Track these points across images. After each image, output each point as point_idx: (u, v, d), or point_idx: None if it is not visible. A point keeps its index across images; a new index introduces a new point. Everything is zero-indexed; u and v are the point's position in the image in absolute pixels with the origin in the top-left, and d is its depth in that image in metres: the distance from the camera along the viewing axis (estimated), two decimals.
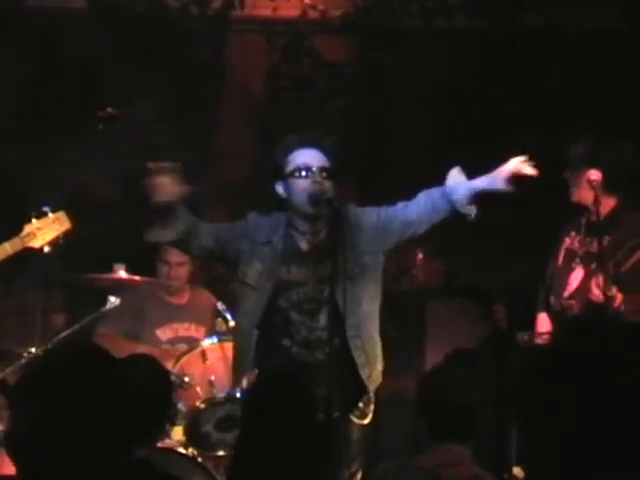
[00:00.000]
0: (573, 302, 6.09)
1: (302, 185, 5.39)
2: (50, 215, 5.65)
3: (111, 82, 7.45)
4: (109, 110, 7.14)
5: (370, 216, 5.65)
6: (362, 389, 5.37)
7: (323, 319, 5.46)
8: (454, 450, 4.37)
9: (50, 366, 2.77)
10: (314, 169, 5.40)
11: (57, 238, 5.66)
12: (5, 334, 6.20)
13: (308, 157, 5.46)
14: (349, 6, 7.53)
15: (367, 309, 5.50)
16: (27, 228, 5.58)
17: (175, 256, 6.73)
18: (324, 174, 5.40)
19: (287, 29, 7.68)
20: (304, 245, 5.51)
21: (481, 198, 7.16)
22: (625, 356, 2.19)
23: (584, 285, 6.06)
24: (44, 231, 5.64)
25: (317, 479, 4.24)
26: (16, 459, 2.64)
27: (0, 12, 6.92)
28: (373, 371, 5.45)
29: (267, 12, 7.43)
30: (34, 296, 6.87)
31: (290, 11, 7.49)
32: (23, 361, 5.98)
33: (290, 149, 5.50)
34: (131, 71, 7.43)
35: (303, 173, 5.39)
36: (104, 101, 7.29)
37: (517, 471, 5.91)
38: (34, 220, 5.60)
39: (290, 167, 5.46)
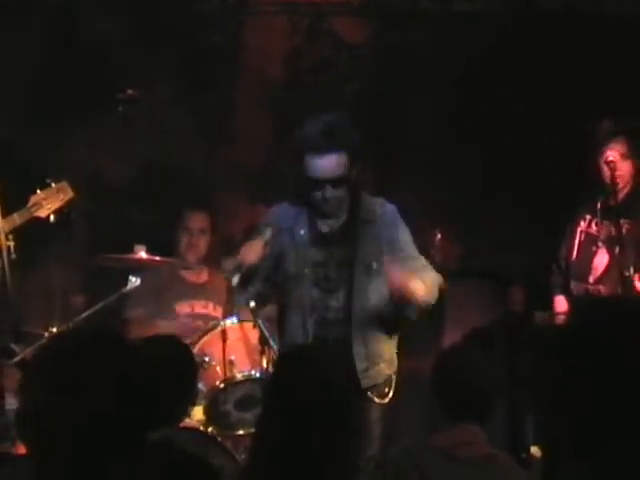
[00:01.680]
0: (601, 287, 6.21)
1: (316, 196, 5.41)
2: (53, 185, 5.80)
3: (127, 65, 7.42)
4: (129, 92, 7.13)
5: (403, 232, 5.63)
6: (353, 380, 5.24)
7: (341, 299, 5.51)
8: (469, 429, 4.38)
9: (65, 348, 2.73)
10: (326, 182, 5.35)
11: (61, 207, 5.79)
12: (26, 315, 6.16)
13: (321, 170, 5.37)
14: None
15: (375, 305, 5.50)
16: (33, 199, 5.71)
17: (196, 222, 6.84)
18: (337, 183, 5.36)
19: (307, 11, 7.64)
20: (325, 228, 5.54)
21: (497, 180, 7.25)
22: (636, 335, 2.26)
23: (612, 270, 6.17)
24: (49, 201, 5.75)
25: (339, 458, 4.27)
26: (25, 440, 2.65)
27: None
28: (372, 367, 5.47)
29: None
30: (55, 277, 6.89)
31: None
32: (43, 341, 5.82)
33: (309, 152, 5.39)
34: (147, 54, 7.44)
35: (316, 184, 5.36)
36: (120, 84, 7.25)
37: (535, 450, 5.95)
38: (38, 191, 5.75)
39: (306, 174, 5.41)
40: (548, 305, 6.54)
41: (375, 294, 5.50)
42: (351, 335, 5.43)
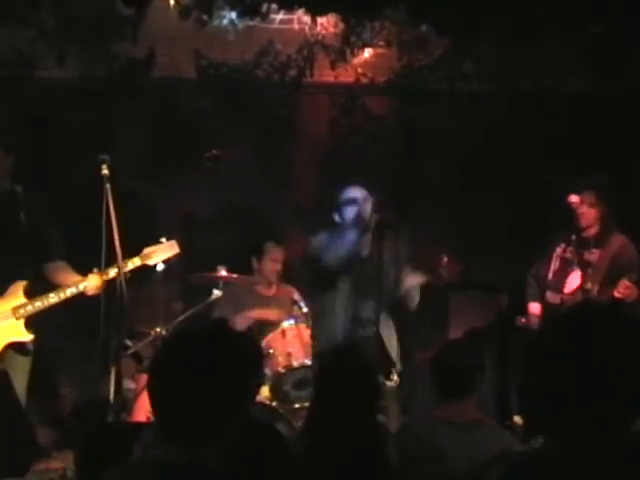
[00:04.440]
0: (572, 297, 6.07)
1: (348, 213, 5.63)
2: (164, 241, 5.57)
3: (213, 132, 7.44)
4: (214, 152, 7.15)
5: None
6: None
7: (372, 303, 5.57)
8: (461, 403, 4.31)
9: (192, 337, 2.65)
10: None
11: (168, 259, 5.58)
12: (138, 318, 6.06)
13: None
14: (391, 74, 7.41)
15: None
16: (145, 250, 5.49)
17: (277, 254, 6.76)
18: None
19: (345, 91, 7.55)
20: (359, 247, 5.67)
21: (488, 220, 7.18)
22: (595, 330, 2.22)
23: (583, 285, 6.07)
24: (157, 254, 5.52)
25: (372, 428, 4.22)
26: (157, 409, 2.55)
27: (135, 81, 6.90)
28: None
29: (330, 79, 7.32)
30: (159, 289, 6.73)
31: (347, 78, 7.37)
32: (150, 338, 6.01)
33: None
34: (228, 123, 7.44)
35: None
36: (207, 146, 7.26)
37: (517, 419, 5.87)
38: (151, 246, 5.52)
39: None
40: (525, 310, 6.47)
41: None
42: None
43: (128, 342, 5.95)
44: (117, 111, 7.10)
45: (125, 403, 5.86)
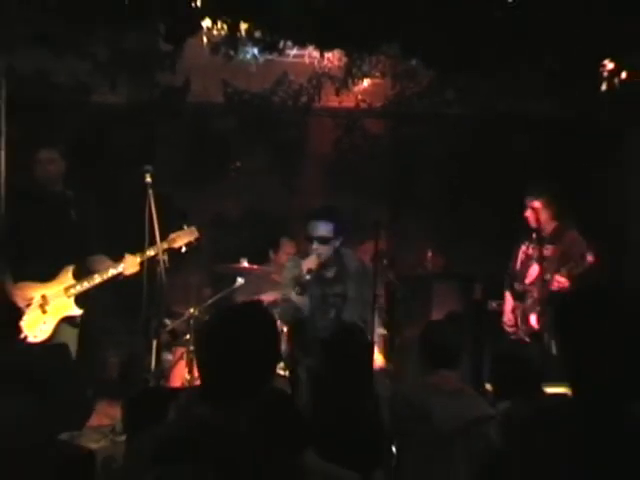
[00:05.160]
0: (533, 287, 6.12)
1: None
2: (185, 228, 5.58)
3: (235, 147, 7.42)
4: (237, 164, 7.28)
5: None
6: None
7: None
8: (446, 373, 4.31)
9: (231, 315, 2.62)
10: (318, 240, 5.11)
11: (190, 242, 5.54)
12: (173, 301, 6.14)
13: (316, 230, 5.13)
14: (385, 100, 7.31)
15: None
16: (170, 236, 5.50)
17: (292, 248, 6.72)
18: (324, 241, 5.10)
19: (347, 114, 7.51)
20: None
21: (468, 221, 7.15)
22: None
23: (539, 276, 6.09)
24: (181, 238, 5.53)
25: (368, 394, 4.20)
26: (201, 375, 2.52)
27: (173, 105, 6.91)
28: None
29: (335, 104, 7.26)
30: (192, 277, 6.85)
31: (349, 103, 7.30)
32: (184, 317, 6.06)
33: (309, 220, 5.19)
34: (248, 140, 7.41)
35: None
36: (232, 159, 7.37)
37: (488, 386, 5.55)
38: (177, 231, 5.55)
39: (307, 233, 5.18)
40: (499, 296, 6.48)
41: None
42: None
43: (166, 321, 6.03)
44: (158, 129, 7.09)
45: (163, 371, 5.93)
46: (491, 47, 5.51)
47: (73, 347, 5.39)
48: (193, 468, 1.95)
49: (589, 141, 7.16)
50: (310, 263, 5.18)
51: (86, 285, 5.41)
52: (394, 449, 4.48)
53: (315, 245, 5.13)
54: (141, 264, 5.38)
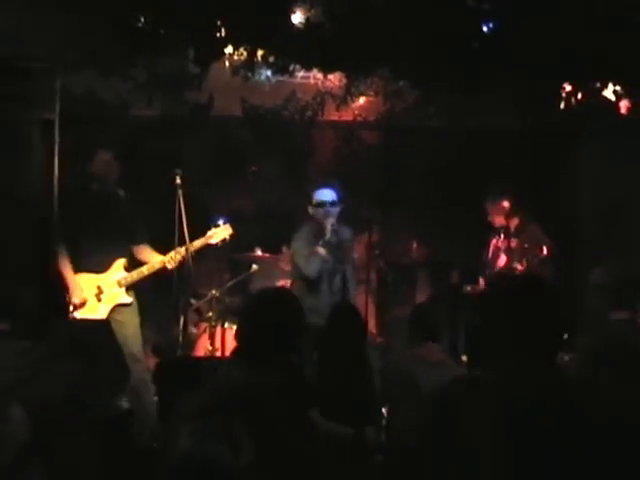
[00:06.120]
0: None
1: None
2: (221, 225, 5.56)
3: (251, 154, 7.36)
4: (253, 169, 7.25)
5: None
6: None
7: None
8: (431, 346, 4.38)
9: (266, 297, 2.72)
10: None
11: (224, 239, 5.53)
12: (198, 283, 6.00)
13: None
14: (378, 115, 7.24)
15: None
16: (209, 232, 5.47)
17: None
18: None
19: (346, 127, 7.46)
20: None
21: (446, 218, 7.06)
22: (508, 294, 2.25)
23: (507, 265, 6.18)
24: (218, 234, 5.50)
25: (362, 362, 4.23)
26: (239, 343, 2.54)
27: (199, 119, 6.85)
28: None
29: (335, 118, 7.20)
30: (214, 264, 6.74)
31: (347, 117, 7.24)
32: (207, 298, 6.07)
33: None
34: (263, 149, 7.36)
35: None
36: (249, 165, 7.33)
37: (464, 358, 5.79)
38: (213, 228, 5.53)
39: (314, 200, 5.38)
40: (474, 282, 6.51)
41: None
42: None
43: (192, 300, 6.04)
44: (186, 139, 7.04)
45: (190, 343, 5.89)
46: (467, 72, 5.53)
47: (135, 320, 5.35)
48: (222, 419, 1.97)
49: (546, 150, 7.13)
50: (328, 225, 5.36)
51: (135, 277, 5.40)
52: (384, 411, 4.50)
53: (326, 208, 5.38)
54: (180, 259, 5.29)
